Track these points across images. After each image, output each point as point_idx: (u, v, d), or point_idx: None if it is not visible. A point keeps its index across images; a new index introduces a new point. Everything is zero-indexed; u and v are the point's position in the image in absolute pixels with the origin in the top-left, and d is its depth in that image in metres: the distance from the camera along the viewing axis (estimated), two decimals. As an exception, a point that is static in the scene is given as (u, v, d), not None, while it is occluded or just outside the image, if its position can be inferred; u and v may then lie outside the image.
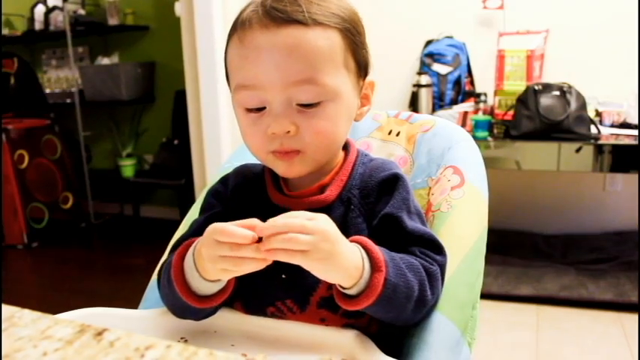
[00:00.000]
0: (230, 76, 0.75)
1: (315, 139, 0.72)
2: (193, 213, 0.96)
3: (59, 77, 4.08)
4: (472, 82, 2.73)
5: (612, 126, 2.40)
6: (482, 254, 0.84)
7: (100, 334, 0.44)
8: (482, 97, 2.56)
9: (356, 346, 0.69)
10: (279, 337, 0.72)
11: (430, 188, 0.92)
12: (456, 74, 2.65)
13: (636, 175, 2.48)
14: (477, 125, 2.39)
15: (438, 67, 2.65)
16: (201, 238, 0.66)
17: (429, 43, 2.76)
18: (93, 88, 3.76)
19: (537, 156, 2.36)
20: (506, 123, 2.38)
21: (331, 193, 0.76)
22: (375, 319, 0.72)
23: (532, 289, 2.31)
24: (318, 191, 0.77)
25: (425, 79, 2.61)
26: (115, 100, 3.72)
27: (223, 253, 0.62)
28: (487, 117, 2.43)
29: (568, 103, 2.25)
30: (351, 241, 0.66)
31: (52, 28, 3.87)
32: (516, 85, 2.44)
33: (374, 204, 0.76)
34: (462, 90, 2.67)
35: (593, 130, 2.27)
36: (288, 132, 0.70)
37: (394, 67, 2.85)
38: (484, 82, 2.69)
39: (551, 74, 2.58)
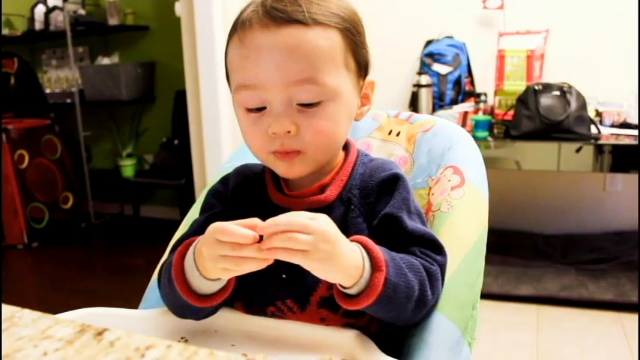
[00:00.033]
0: (230, 76, 0.76)
1: (315, 139, 0.72)
2: (193, 213, 0.96)
3: (59, 77, 4.08)
4: (472, 82, 2.73)
5: (612, 126, 2.40)
6: (483, 254, 0.84)
7: (100, 334, 0.44)
8: (483, 97, 2.56)
9: (356, 346, 0.69)
10: (280, 337, 0.72)
11: (430, 188, 0.92)
12: (456, 74, 2.65)
13: (636, 175, 2.48)
14: (477, 125, 2.39)
15: (438, 67, 2.65)
16: (202, 237, 0.66)
17: (429, 43, 2.76)
18: (93, 88, 3.76)
19: (537, 156, 2.36)
20: (506, 123, 2.38)
21: (331, 193, 0.76)
22: (376, 319, 0.72)
23: (532, 289, 2.31)
24: (318, 191, 0.77)
25: (425, 79, 2.61)
26: (115, 100, 3.72)
27: (225, 252, 0.62)
28: (487, 117, 2.43)
29: (568, 103, 2.25)
30: (352, 241, 0.66)
31: (52, 28, 3.88)
32: (516, 85, 2.44)
33: (374, 204, 0.76)
34: (462, 90, 2.67)
35: (594, 130, 2.27)
36: (289, 132, 0.70)
37: (394, 67, 2.85)
38: (484, 82, 2.69)
39: (551, 74, 2.58)
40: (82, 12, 3.84)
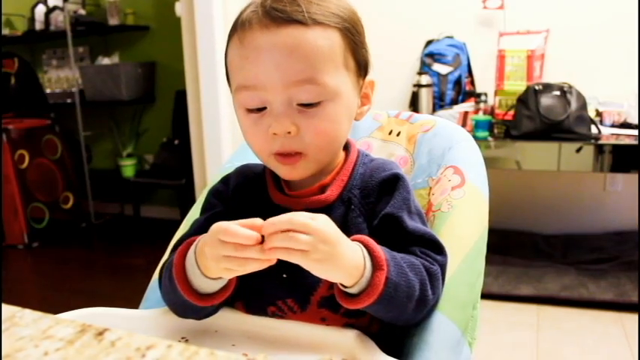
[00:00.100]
0: (230, 76, 0.76)
1: (315, 139, 0.72)
2: (194, 213, 0.96)
3: (59, 77, 4.08)
4: (472, 82, 2.73)
5: (613, 126, 2.40)
6: (483, 254, 0.84)
7: (101, 333, 0.44)
8: (483, 97, 2.56)
9: (357, 346, 0.69)
10: (280, 337, 0.72)
11: (431, 188, 0.92)
12: (456, 74, 2.65)
13: (636, 175, 2.48)
14: (478, 125, 2.39)
15: (438, 67, 2.65)
16: (205, 236, 0.66)
17: (429, 43, 2.76)
18: (93, 88, 3.76)
19: (538, 156, 2.36)
20: (506, 123, 2.38)
21: (332, 193, 0.76)
22: (376, 318, 0.72)
23: (532, 289, 2.31)
24: (318, 191, 0.77)
25: (425, 79, 2.61)
26: (116, 100, 3.72)
27: (227, 253, 0.62)
28: (487, 117, 2.43)
29: (568, 103, 2.25)
30: (353, 240, 0.66)
31: (52, 28, 3.88)
32: (517, 85, 2.44)
33: (374, 204, 0.76)
34: (462, 90, 2.67)
35: (594, 130, 2.27)
36: (289, 132, 0.70)
37: (394, 67, 2.85)
38: (484, 82, 2.69)
39: (551, 74, 2.58)
40: (82, 12, 3.84)
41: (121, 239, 3.67)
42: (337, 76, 0.72)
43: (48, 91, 4.02)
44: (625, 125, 2.38)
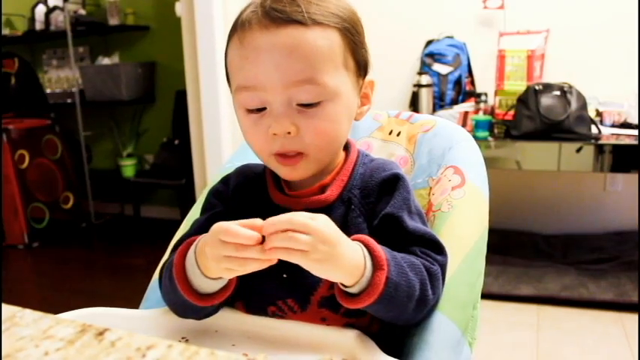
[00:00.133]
0: (230, 77, 0.76)
1: (315, 139, 0.72)
2: (194, 213, 0.96)
3: (60, 77, 4.08)
4: (473, 82, 2.73)
5: (613, 126, 2.40)
6: (483, 254, 0.84)
7: (101, 333, 0.44)
8: (483, 97, 2.56)
9: (357, 346, 0.69)
10: (280, 337, 0.72)
11: (431, 188, 0.92)
12: (456, 74, 2.65)
13: (637, 175, 2.48)
14: (478, 125, 2.39)
15: (438, 67, 2.65)
16: (205, 236, 0.66)
17: (429, 43, 2.76)
18: (93, 88, 3.76)
19: (538, 156, 2.36)
20: (506, 123, 2.38)
21: (332, 193, 0.76)
22: (376, 318, 0.72)
23: (532, 289, 2.31)
24: (318, 191, 0.77)
25: (425, 79, 2.61)
26: (116, 100, 3.72)
27: (228, 253, 0.62)
28: (488, 117, 2.43)
29: (569, 103, 2.25)
30: (353, 240, 0.66)
31: (52, 28, 3.88)
32: (517, 85, 2.44)
33: (374, 204, 0.76)
34: (462, 90, 2.67)
35: (594, 130, 2.27)
36: (289, 133, 0.70)
37: (394, 67, 2.85)
38: (485, 82, 2.69)
39: (551, 74, 2.58)
40: (82, 12, 3.84)
41: (121, 239, 3.68)
42: (337, 76, 0.72)
43: (48, 91, 4.02)
44: (625, 125, 2.38)
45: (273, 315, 0.75)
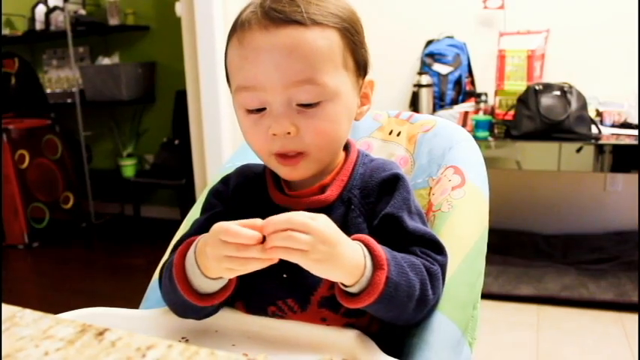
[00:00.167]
0: (230, 77, 0.76)
1: (315, 139, 0.72)
2: (194, 213, 0.96)
3: (60, 77, 4.08)
4: (473, 82, 2.73)
5: (613, 126, 2.40)
6: (483, 254, 0.84)
7: (101, 333, 0.44)
8: (483, 97, 2.56)
9: (357, 346, 0.69)
10: (280, 337, 0.72)
11: (431, 188, 0.92)
12: (456, 74, 2.65)
13: (637, 175, 2.48)
14: (478, 125, 2.39)
15: (438, 67, 2.65)
16: (205, 236, 0.66)
17: (429, 43, 2.76)
18: (93, 88, 3.76)
19: (538, 156, 2.36)
20: (506, 123, 2.38)
21: (332, 193, 0.76)
22: (376, 318, 0.72)
23: (533, 289, 2.31)
24: (318, 191, 0.77)
25: (425, 79, 2.61)
26: (116, 100, 3.72)
27: (229, 253, 0.62)
28: (488, 117, 2.43)
29: (569, 103, 2.25)
30: (354, 239, 0.66)
31: (52, 28, 3.88)
32: (517, 85, 2.44)
33: (374, 204, 0.76)
34: (462, 90, 2.67)
35: (594, 130, 2.27)
36: (289, 133, 0.70)
37: (395, 67, 2.85)
38: (485, 82, 2.69)
39: (551, 74, 2.58)
40: (82, 12, 3.84)
41: (121, 239, 3.68)
42: (336, 76, 0.72)
43: (48, 91, 4.02)
44: (625, 125, 2.38)
45: (273, 315, 0.75)
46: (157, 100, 3.90)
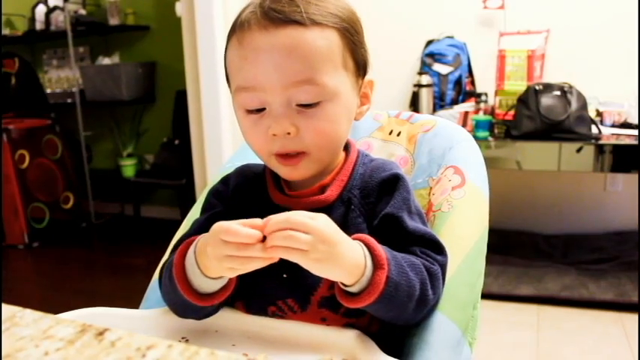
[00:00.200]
0: (230, 77, 0.76)
1: (315, 139, 0.72)
2: (194, 213, 0.96)
3: (60, 77, 4.08)
4: (473, 82, 2.73)
5: (613, 126, 2.40)
6: (483, 254, 0.84)
7: (101, 333, 0.44)
8: (483, 97, 2.56)
9: (357, 346, 0.69)
10: (280, 337, 0.72)
11: (431, 188, 0.92)
12: (456, 74, 2.65)
13: (637, 175, 2.48)
14: (478, 125, 2.39)
15: (438, 67, 2.65)
16: (206, 236, 0.66)
17: (429, 43, 2.76)
18: (94, 88, 3.76)
19: (538, 156, 2.36)
20: (506, 123, 2.38)
21: (332, 193, 0.76)
22: (376, 318, 0.72)
23: (533, 289, 2.31)
24: (318, 191, 0.77)
25: (426, 79, 2.61)
26: (116, 100, 3.72)
27: (230, 252, 0.62)
28: (488, 117, 2.43)
29: (569, 103, 2.25)
30: (354, 239, 0.66)
31: (52, 28, 3.88)
32: (517, 85, 2.44)
33: (374, 204, 0.76)
34: (462, 90, 2.67)
35: (594, 130, 2.27)
36: (289, 133, 0.70)
37: (395, 67, 2.85)
38: (485, 82, 2.69)
39: (551, 74, 2.58)
40: (82, 12, 3.84)
41: (121, 239, 3.68)
42: (336, 77, 0.72)
43: (48, 91, 4.02)
44: (625, 125, 2.38)
45: (273, 315, 0.75)
46: (157, 100, 3.90)
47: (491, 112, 2.48)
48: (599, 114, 2.43)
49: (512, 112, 2.36)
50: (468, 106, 2.56)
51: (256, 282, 0.72)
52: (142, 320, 0.79)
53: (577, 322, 2.12)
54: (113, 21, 3.75)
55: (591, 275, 2.40)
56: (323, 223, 0.62)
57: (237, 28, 0.72)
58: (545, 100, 2.27)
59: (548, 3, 2.66)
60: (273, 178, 0.80)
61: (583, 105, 2.27)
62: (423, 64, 2.71)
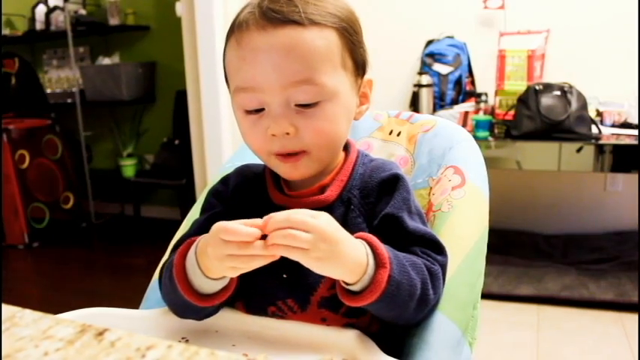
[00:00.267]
0: (229, 78, 0.76)
1: (315, 139, 0.72)
2: (194, 213, 0.96)
3: (60, 77, 4.08)
4: (473, 82, 2.73)
5: (613, 126, 2.40)
6: (483, 254, 0.84)
7: (101, 334, 0.44)
8: (483, 97, 2.56)
9: (357, 346, 0.69)
10: (280, 337, 0.72)
11: (431, 188, 0.92)
12: (456, 74, 2.65)
13: (637, 175, 2.48)
14: (478, 125, 2.39)
15: (438, 67, 2.65)
16: (206, 237, 0.66)
17: (429, 43, 2.76)
18: (94, 88, 3.76)
19: (538, 156, 2.36)
20: (507, 123, 2.38)
21: (331, 193, 0.76)
22: (376, 318, 0.72)
23: (533, 289, 2.31)
24: (318, 191, 0.77)
25: (426, 79, 2.61)
26: (116, 100, 3.72)
27: (232, 252, 0.62)
28: (488, 117, 2.43)
29: (569, 103, 2.25)
30: (357, 237, 0.66)
31: (53, 28, 3.88)
32: (517, 85, 2.44)
33: (374, 204, 0.76)
34: (462, 90, 2.67)
35: (594, 130, 2.26)
36: (288, 133, 0.70)
37: (395, 67, 2.85)
38: (485, 82, 2.69)
39: (551, 74, 2.58)
40: (82, 12, 3.84)
41: (121, 239, 3.68)
42: (335, 76, 0.72)
43: (48, 91, 4.02)
44: (625, 125, 2.38)
45: (273, 315, 0.75)
46: (157, 100, 3.90)
47: (492, 112, 2.48)
48: (599, 114, 2.43)
49: (512, 112, 2.36)
50: (468, 106, 2.56)
51: (256, 282, 0.72)
52: (142, 320, 0.79)
53: (577, 322, 2.12)
54: (113, 21, 3.75)
55: (591, 275, 2.40)
56: (324, 221, 0.62)
57: (236, 29, 0.72)
58: (546, 100, 2.27)
59: (548, 3, 2.66)
60: (273, 178, 0.80)
61: (583, 105, 2.27)
62: (423, 64, 2.71)
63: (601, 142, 2.23)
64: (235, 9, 0.76)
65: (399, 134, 0.99)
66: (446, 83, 2.64)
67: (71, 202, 3.75)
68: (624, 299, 2.19)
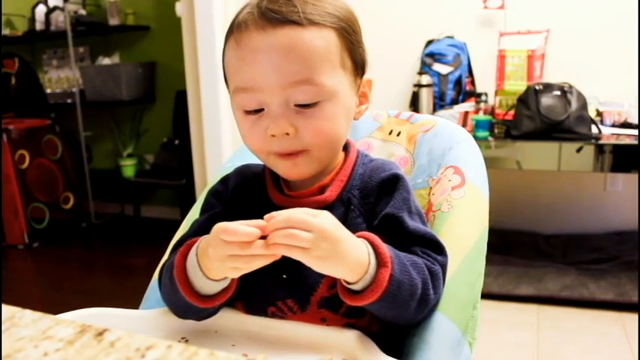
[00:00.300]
0: (228, 78, 0.76)
1: (314, 139, 0.72)
2: (194, 213, 0.96)
3: (60, 77, 4.08)
4: (473, 82, 2.73)
5: (613, 126, 2.40)
6: (483, 254, 0.84)
7: (100, 334, 0.44)
8: (483, 97, 2.56)
9: (357, 346, 0.69)
10: (280, 337, 0.72)
11: (431, 188, 0.92)
12: (456, 74, 2.65)
13: (637, 175, 2.48)
14: (478, 125, 2.39)
15: (438, 67, 2.65)
16: (207, 238, 0.66)
17: (429, 43, 2.76)
18: (94, 88, 3.76)
19: (538, 156, 2.36)
20: (506, 123, 2.38)
21: (331, 193, 0.76)
22: (376, 318, 0.72)
23: (533, 288, 2.31)
24: (318, 192, 0.77)
25: (426, 79, 2.61)
26: (116, 100, 3.72)
27: (233, 252, 0.62)
28: (488, 117, 2.43)
29: (569, 102, 2.25)
30: (358, 237, 0.66)
31: (52, 28, 3.88)
32: (517, 85, 2.44)
33: (374, 204, 0.76)
34: (462, 90, 2.67)
35: (594, 129, 2.26)
36: (287, 134, 0.70)
37: (395, 67, 2.85)
38: (485, 82, 2.69)
39: (551, 74, 2.58)
40: (82, 12, 3.84)
41: (121, 239, 3.68)
42: (334, 76, 0.71)
43: (48, 91, 4.02)
44: (625, 125, 2.38)
45: (273, 315, 0.75)
46: (157, 100, 3.90)
47: (491, 112, 2.48)
48: (599, 114, 2.43)
49: (512, 112, 2.36)
50: (468, 106, 2.56)
51: (256, 282, 0.72)
52: (142, 320, 0.79)
53: (577, 322, 2.12)
54: (113, 21, 3.75)
55: (591, 275, 2.40)
56: (325, 220, 0.62)
57: (235, 29, 0.72)
58: (545, 100, 2.27)
59: (548, 3, 2.66)
60: (272, 178, 0.80)
61: (583, 105, 2.27)
62: (423, 64, 2.71)
63: (601, 142, 2.23)
64: (235, 9, 0.76)
65: (398, 134, 0.99)
66: (446, 83, 2.64)
67: (71, 202, 3.75)
68: (624, 299, 2.19)
